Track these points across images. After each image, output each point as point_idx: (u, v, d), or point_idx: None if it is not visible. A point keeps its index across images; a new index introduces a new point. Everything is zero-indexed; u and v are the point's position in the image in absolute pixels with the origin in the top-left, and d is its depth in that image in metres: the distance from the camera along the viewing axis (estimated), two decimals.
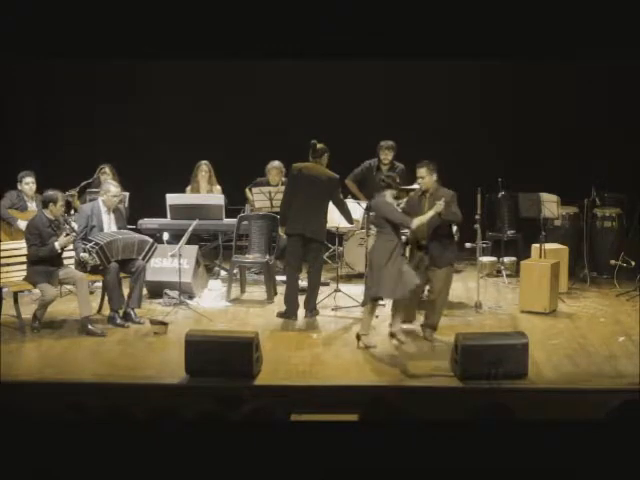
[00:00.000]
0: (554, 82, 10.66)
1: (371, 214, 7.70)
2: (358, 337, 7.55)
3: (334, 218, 8.86)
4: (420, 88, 10.87)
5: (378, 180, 7.70)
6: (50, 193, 8.14)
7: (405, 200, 7.89)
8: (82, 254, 8.00)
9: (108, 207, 8.38)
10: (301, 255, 8.39)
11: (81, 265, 8.13)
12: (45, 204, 8.00)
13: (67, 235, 7.87)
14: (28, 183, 9.33)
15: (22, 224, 9.09)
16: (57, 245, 7.82)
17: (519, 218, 10.00)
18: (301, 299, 8.49)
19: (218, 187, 10.05)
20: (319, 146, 8.34)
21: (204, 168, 10.04)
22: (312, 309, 8.43)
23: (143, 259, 8.28)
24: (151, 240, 8.42)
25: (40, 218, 7.97)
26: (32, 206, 9.33)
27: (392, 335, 7.60)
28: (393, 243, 7.39)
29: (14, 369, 6.88)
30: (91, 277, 8.25)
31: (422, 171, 7.67)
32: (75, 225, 8.06)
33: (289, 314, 8.32)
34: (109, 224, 8.36)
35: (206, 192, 10.01)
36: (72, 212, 9.26)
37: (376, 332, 7.92)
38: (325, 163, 8.38)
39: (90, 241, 8.02)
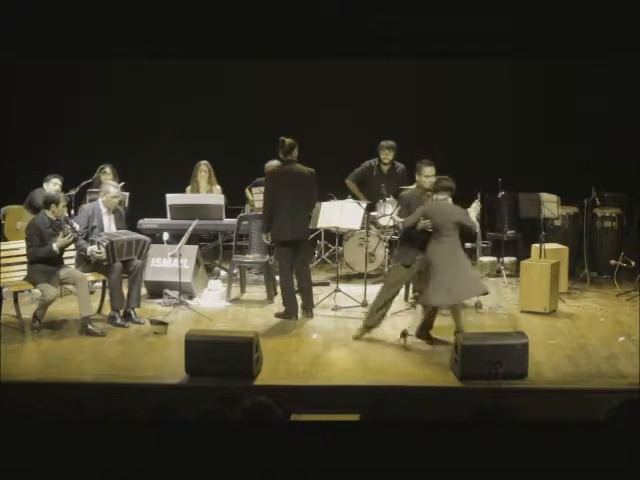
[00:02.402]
0: (554, 81, 10.66)
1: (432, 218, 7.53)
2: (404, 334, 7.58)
3: (334, 218, 8.87)
4: (420, 88, 10.88)
5: (440, 184, 7.44)
6: (52, 194, 8.19)
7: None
8: (90, 247, 8.03)
9: (108, 208, 8.39)
10: (292, 257, 8.38)
11: (84, 261, 8.15)
12: (47, 205, 8.02)
13: (66, 236, 7.86)
14: (56, 184, 9.38)
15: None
16: (55, 247, 7.82)
17: (519, 218, 10.00)
18: (299, 299, 8.52)
19: (218, 187, 10.06)
20: (288, 141, 8.23)
21: (203, 168, 10.04)
22: (311, 309, 8.42)
23: (139, 258, 8.30)
24: (147, 238, 8.43)
25: (42, 219, 7.98)
26: None
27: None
28: (458, 245, 7.42)
29: (14, 369, 6.88)
30: (91, 277, 8.25)
31: (431, 170, 7.67)
32: (77, 226, 8.06)
33: (290, 315, 8.32)
34: (109, 225, 8.38)
35: (206, 192, 10.01)
36: (72, 212, 9.28)
37: (376, 332, 7.92)
38: (296, 157, 8.27)
39: (92, 242, 8.06)
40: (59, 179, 9.42)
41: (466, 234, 7.57)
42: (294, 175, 8.23)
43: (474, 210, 7.67)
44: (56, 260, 7.96)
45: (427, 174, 7.65)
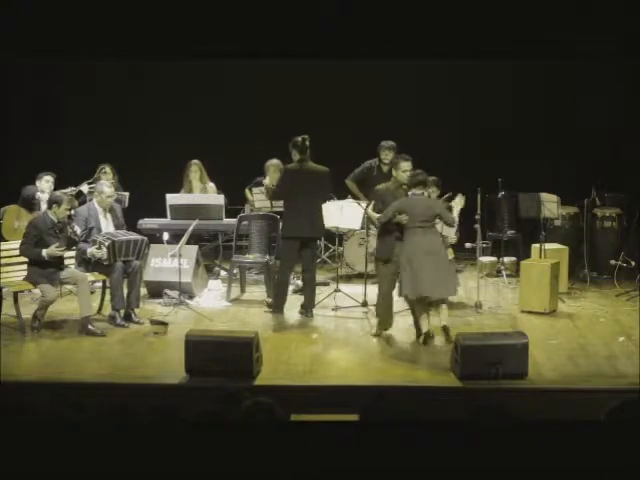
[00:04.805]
0: (554, 81, 10.66)
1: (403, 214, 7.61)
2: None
3: (334, 218, 8.87)
4: (420, 88, 10.88)
5: (415, 179, 7.58)
6: (56, 194, 8.19)
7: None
8: (90, 249, 8.03)
9: (103, 208, 8.39)
10: (297, 256, 8.41)
11: (85, 262, 8.14)
12: (50, 205, 8.03)
13: (58, 247, 7.81)
14: (48, 181, 9.42)
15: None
16: (44, 253, 7.78)
17: (519, 218, 10.01)
18: (298, 299, 8.54)
19: (211, 184, 10.06)
20: (304, 140, 8.32)
21: (194, 168, 10.04)
22: (311, 309, 8.43)
23: (137, 259, 8.30)
24: (145, 238, 8.43)
25: (44, 219, 7.98)
26: (44, 208, 9.39)
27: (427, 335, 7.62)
28: (438, 239, 7.53)
29: (14, 369, 6.88)
30: (91, 277, 8.25)
31: (408, 164, 7.72)
32: (78, 229, 8.06)
33: (276, 309, 8.42)
34: (106, 225, 8.38)
35: (199, 191, 10.01)
36: (72, 213, 9.27)
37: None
38: (308, 156, 8.38)
39: (94, 242, 8.07)
40: (51, 176, 9.45)
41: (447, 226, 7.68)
42: (311, 173, 8.31)
43: (457, 204, 7.77)
44: (56, 261, 7.95)
45: (404, 169, 7.72)
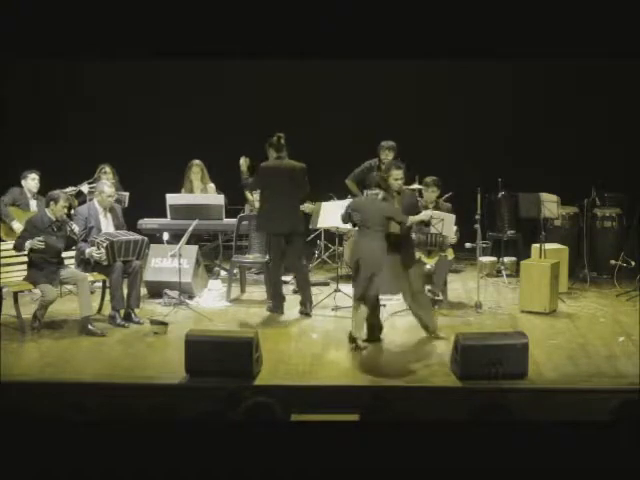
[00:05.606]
0: (554, 81, 10.66)
1: (356, 213, 7.54)
2: (352, 339, 7.47)
3: (334, 218, 8.86)
4: (420, 88, 10.88)
5: (375, 180, 7.57)
6: (54, 192, 8.19)
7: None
8: (88, 249, 8.03)
9: (104, 207, 8.40)
10: (284, 250, 8.45)
11: (84, 262, 8.14)
12: (47, 203, 8.05)
13: (41, 240, 7.78)
14: (34, 179, 9.41)
15: (16, 225, 9.13)
16: (27, 244, 7.77)
17: (519, 218, 10.00)
18: (298, 298, 8.55)
19: (212, 185, 10.06)
20: (279, 138, 8.38)
21: (196, 168, 10.04)
22: (309, 305, 8.44)
23: (137, 259, 8.30)
24: (145, 238, 8.43)
25: (41, 217, 7.99)
26: (34, 205, 9.38)
27: (353, 339, 7.47)
28: (384, 242, 7.34)
29: (14, 369, 6.88)
30: (91, 277, 8.24)
31: (399, 173, 7.64)
32: (76, 228, 8.06)
33: (275, 309, 8.44)
34: (106, 225, 8.38)
35: (200, 191, 10.02)
36: (72, 212, 9.28)
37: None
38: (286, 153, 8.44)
39: (92, 243, 8.06)
40: (36, 174, 9.45)
41: (402, 230, 7.42)
42: (286, 170, 8.34)
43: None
44: (56, 260, 7.95)
45: (395, 177, 7.62)
